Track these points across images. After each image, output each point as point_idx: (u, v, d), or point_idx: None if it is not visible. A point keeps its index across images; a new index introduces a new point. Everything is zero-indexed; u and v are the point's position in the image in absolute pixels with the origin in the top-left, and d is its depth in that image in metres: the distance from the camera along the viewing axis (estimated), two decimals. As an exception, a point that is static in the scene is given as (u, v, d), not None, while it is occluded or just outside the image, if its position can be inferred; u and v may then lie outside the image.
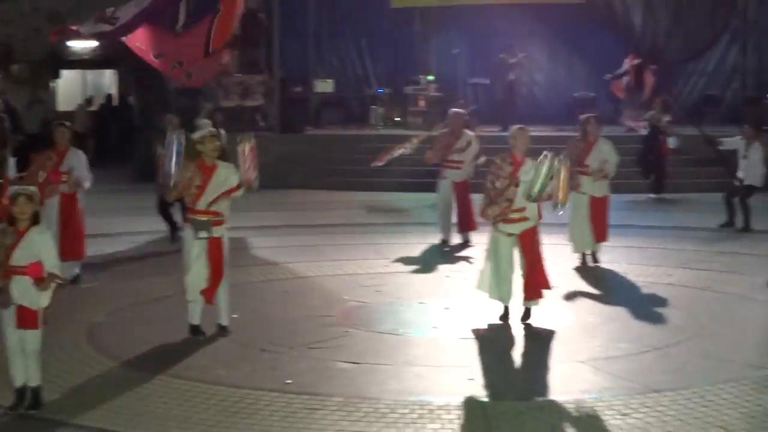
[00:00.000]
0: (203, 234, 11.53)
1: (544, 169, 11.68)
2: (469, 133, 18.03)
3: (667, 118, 24.18)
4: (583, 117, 16.28)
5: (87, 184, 14.71)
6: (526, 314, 12.30)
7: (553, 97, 32.15)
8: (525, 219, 12.14)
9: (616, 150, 15.96)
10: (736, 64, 31.22)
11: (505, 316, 12.31)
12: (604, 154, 15.71)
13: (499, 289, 12.28)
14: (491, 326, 12.16)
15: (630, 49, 29.69)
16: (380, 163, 19.36)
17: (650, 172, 24.15)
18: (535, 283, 12.24)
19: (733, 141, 19.85)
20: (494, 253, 12.31)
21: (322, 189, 24.95)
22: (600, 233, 15.79)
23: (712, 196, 22.05)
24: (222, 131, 22.30)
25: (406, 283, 14.63)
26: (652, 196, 23.84)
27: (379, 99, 30.34)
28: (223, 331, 11.79)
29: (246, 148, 11.82)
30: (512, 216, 12.11)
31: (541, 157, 11.79)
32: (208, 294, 11.67)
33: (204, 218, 11.55)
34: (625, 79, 28.74)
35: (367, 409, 9.22)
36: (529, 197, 11.81)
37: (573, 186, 15.47)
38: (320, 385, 9.89)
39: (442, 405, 9.34)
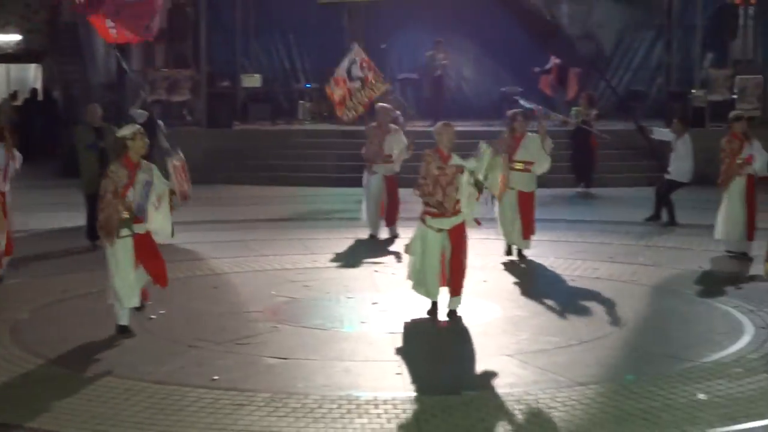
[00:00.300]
0: (126, 231, 11.41)
1: (486, 159, 11.81)
2: (394, 127, 18.07)
3: (594, 112, 24.41)
4: (510, 113, 16.37)
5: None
6: (452, 311, 12.32)
7: (482, 93, 32.28)
8: (456, 213, 12.15)
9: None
10: (660, 60, 31.54)
11: (432, 311, 12.33)
12: (530, 150, 15.79)
13: (426, 285, 12.29)
14: (419, 321, 12.17)
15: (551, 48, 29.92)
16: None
17: (580, 166, 24.35)
18: (461, 280, 12.25)
19: (663, 132, 20.05)
20: (421, 248, 12.30)
21: (250, 184, 24.85)
22: (527, 228, 15.88)
23: (640, 190, 22.34)
24: (161, 122, 22.23)
25: (334, 278, 14.61)
26: (581, 190, 24.02)
27: (307, 94, 30.27)
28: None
29: (176, 164, 11.80)
30: (436, 210, 12.12)
31: (483, 147, 11.87)
32: (161, 281, 11.58)
33: (126, 216, 11.43)
34: (551, 77, 29.00)
35: (295, 404, 9.19)
36: (474, 184, 11.88)
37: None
38: (247, 381, 9.84)
39: (369, 400, 9.34)
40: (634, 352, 10.92)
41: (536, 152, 15.79)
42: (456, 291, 12.23)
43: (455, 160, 12.14)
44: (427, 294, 12.31)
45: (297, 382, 9.86)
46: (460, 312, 12.28)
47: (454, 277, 12.18)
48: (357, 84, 20.77)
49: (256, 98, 29.71)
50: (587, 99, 24.83)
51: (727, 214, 16.14)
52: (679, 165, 19.11)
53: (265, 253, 16.25)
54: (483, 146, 12.20)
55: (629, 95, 30.77)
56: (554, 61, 29.34)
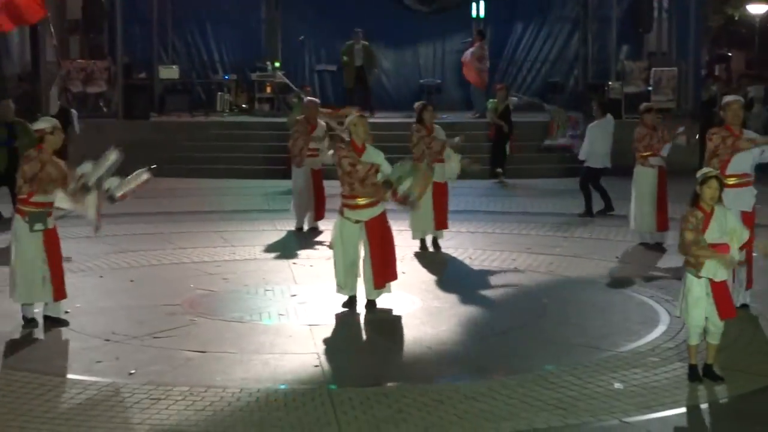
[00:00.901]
0: (39, 226, 11.27)
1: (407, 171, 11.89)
2: (322, 121, 18.04)
3: (513, 100, 24.60)
4: (418, 104, 16.35)
5: None
6: (371, 303, 12.31)
7: (401, 84, 32.32)
8: (373, 205, 12.14)
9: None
10: (577, 53, 31.81)
11: (350, 303, 12.30)
12: (440, 139, 15.85)
13: (344, 277, 12.27)
14: (338, 313, 12.15)
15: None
16: None
17: (498, 156, 24.48)
18: (382, 272, 12.23)
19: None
20: (339, 241, 12.28)
21: (168, 176, 24.53)
22: (441, 219, 15.92)
23: (558, 181, 22.51)
24: (74, 111, 21.97)
25: (252, 270, 14.54)
26: (502, 180, 24.13)
27: (225, 85, 30.09)
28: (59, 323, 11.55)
29: (142, 180, 11.81)
30: (358, 202, 12.10)
31: (405, 168, 11.95)
32: (58, 292, 11.45)
33: (40, 210, 11.30)
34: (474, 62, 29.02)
35: (213, 398, 9.13)
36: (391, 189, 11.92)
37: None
38: (165, 375, 9.76)
39: (288, 392, 9.32)
40: (551, 342, 10.99)
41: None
42: (377, 283, 12.22)
43: (370, 152, 12.12)
44: (344, 287, 12.28)
45: (215, 375, 9.80)
46: (379, 303, 12.27)
47: (374, 270, 12.15)
48: None
49: (173, 90, 29.45)
50: (504, 90, 24.96)
51: (638, 206, 16.33)
52: (593, 150, 19.13)
53: (183, 246, 16.13)
54: (405, 167, 12.15)
55: (547, 87, 30.98)
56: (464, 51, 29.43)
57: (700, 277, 9.41)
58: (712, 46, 47.76)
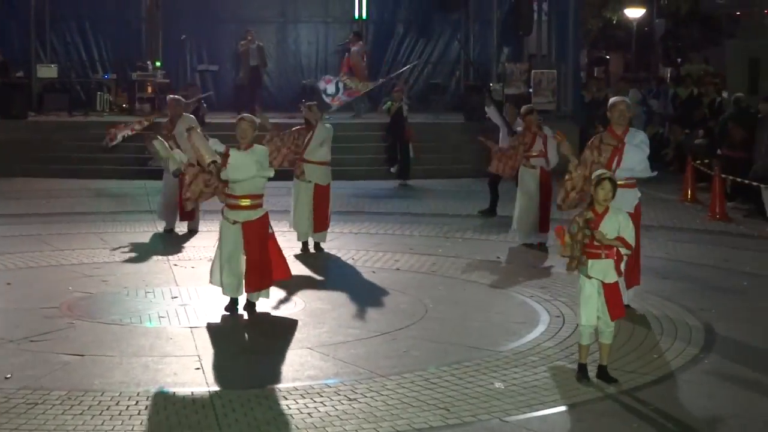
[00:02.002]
0: None
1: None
2: (188, 116, 17.80)
3: (406, 106, 24.67)
4: (303, 104, 16.31)
5: None
6: (250, 305, 12.23)
7: (283, 85, 32.28)
8: (255, 207, 12.04)
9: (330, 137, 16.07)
10: (459, 54, 32.06)
11: (231, 307, 12.21)
12: (323, 140, 15.82)
13: (225, 279, 12.16)
14: (220, 315, 12.05)
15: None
16: (112, 143, 19.07)
17: (395, 159, 24.53)
18: (255, 277, 12.13)
19: (494, 113, 19.53)
20: (220, 241, 12.19)
21: (46, 177, 24.23)
22: (321, 221, 15.89)
23: (446, 182, 22.65)
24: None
25: (132, 272, 14.36)
26: (399, 182, 24.19)
27: (105, 85, 29.70)
28: None
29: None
30: (240, 203, 12.01)
31: None
32: None
33: None
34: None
35: (91, 402, 8.98)
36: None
37: (298, 174, 15.64)
38: (42, 379, 9.58)
39: (168, 395, 9.22)
40: (433, 342, 11.03)
41: (326, 143, 15.83)
42: (250, 286, 12.12)
43: (257, 151, 12.06)
44: (225, 288, 12.17)
45: (93, 379, 9.65)
46: (261, 305, 12.20)
47: (248, 272, 12.05)
48: None
49: (52, 89, 29.01)
50: (401, 92, 25.07)
51: (521, 207, 16.50)
52: None
53: (60, 248, 15.86)
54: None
55: (429, 88, 31.17)
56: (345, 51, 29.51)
57: (590, 278, 9.52)
58: (590, 48, 48.61)
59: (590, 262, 9.50)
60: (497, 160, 16.87)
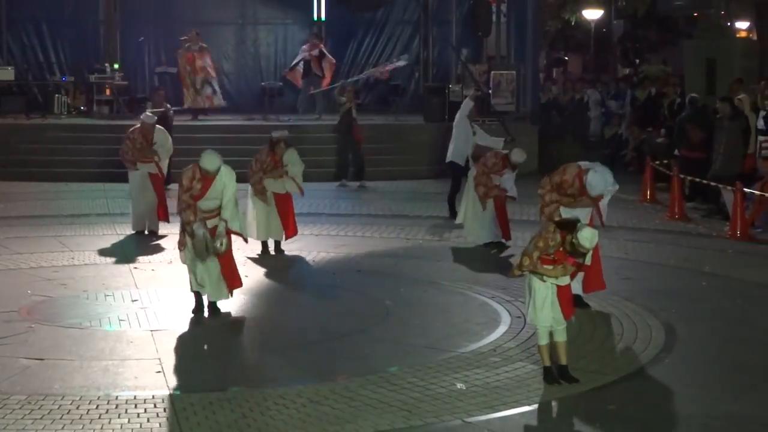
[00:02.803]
0: None
1: None
2: (159, 127, 17.77)
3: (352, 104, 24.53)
4: (274, 137, 16.02)
5: None
6: (214, 307, 12.19)
7: (242, 87, 32.18)
8: (215, 216, 12.02)
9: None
10: (418, 56, 32.08)
11: (197, 309, 12.17)
12: (289, 170, 15.80)
13: (194, 280, 12.13)
14: (181, 317, 12.01)
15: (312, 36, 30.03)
16: None
17: (345, 168, 24.43)
18: (230, 278, 12.13)
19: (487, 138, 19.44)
20: (189, 243, 12.15)
21: (3, 180, 24.00)
22: (290, 227, 15.85)
23: (403, 183, 22.65)
24: None
25: (92, 275, 14.28)
26: (354, 184, 24.11)
27: (63, 87, 29.48)
28: None
29: None
30: (205, 216, 11.99)
31: None
32: None
33: None
34: (302, 65, 29.04)
35: (51, 406, 8.93)
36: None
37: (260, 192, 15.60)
38: (1, 384, 9.51)
39: (129, 399, 9.18)
40: (394, 343, 11.04)
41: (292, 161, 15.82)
42: (233, 285, 12.12)
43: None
44: (194, 289, 12.13)
45: (53, 383, 9.59)
46: (222, 307, 12.17)
47: (224, 275, 12.04)
48: None
49: (9, 91, 28.75)
50: (353, 93, 24.92)
51: (467, 208, 16.44)
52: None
53: (19, 251, 15.74)
54: None
55: (389, 90, 31.14)
56: (310, 51, 29.37)
57: (544, 281, 9.57)
58: (549, 49, 48.78)
59: (545, 267, 9.56)
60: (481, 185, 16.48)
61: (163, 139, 17.68)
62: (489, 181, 15.89)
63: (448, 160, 19.10)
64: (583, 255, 9.58)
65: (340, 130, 24.27)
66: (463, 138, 18.59)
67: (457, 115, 19.08)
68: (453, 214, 18.51)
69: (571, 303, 9.82)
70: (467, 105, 19.01)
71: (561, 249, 9.47)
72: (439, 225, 18.68)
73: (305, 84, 29.27)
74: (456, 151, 18.81)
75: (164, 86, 29.31)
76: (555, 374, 9.68)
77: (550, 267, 9.56)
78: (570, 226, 9.50)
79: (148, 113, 18.57)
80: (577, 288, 12.18)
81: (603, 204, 12.20)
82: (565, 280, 9.64)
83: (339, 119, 24.33)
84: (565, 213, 11.63)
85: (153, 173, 17.41)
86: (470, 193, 16.43)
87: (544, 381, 9.67)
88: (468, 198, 16.54)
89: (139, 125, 17.73)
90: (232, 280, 12.21)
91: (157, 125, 17.81)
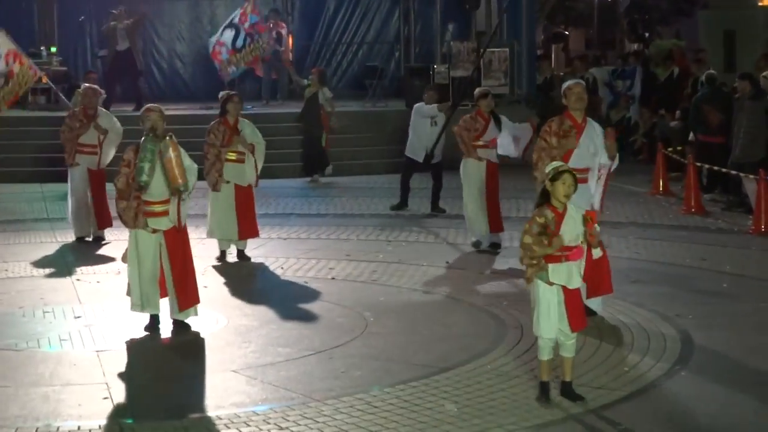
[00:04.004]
0: None
1: (142, 154, 11.70)
2: (104, 110, 17.76)
3: (329, 93, 24.51)
4: (222, 94, 16.20)
5: None
6: (181, 325, 12.19)
7: (198, 71, 32.15)
8: (167, 213, 12.01)
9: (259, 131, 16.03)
10: (398, 33, 32.13)
11: (151, 327, 12.15)
12: (248, 137, 15.75)
13: (141, 295, 12.11)
14: (133, 336, 12.00)
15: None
16: None
17: (314, 154, 24.46)
18: (188, 290, 12.12)
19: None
20: (135, 254, 12.13)
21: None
22: (246, 227, 15.85)
23: (380, 178, 22.67)
24: None
25: (29, 289, 14.27)
26: (317, 178, 24.15)
27: (-7, 76, 29.40)
28: None
29: None
30: (155, 209, 11.98)
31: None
32: None
33: None
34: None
35: (-17, 439, 8.94)
36: (141, 187, 11.77)
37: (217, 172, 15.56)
38: (-75, 415, 9.51)
39: (72, 430, 9.17)
40: (374, 360, 11.06)
41: (254, 140, 15.75)
42: (184, 303, 12.11)
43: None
44: (143, 305, 12.12)
45: (-14, 413, 9.59)
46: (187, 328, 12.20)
47: (178, 287, 12.03)
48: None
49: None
50: (318, 75, 24.86)
51: (473, 204, 16.50)
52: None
53: (-55, 263, 15.76)
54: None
55: (365, 72, 31.15)
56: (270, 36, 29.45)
57: (551, 284, 9.55)
58: (547, 23, 48.87)
59: (550, 266, 9.53)
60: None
61: (109, 122, 17.55)
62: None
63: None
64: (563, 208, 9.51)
65: (306, 119, 24.23)
66: (420, 132, 19.46)
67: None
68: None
69: (581, 313, 9.74)
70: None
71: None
72: (424, 224, 18.72)
73: (266, 69, 29.28)
74: (410, 145, 19.74)
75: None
76: (549, 393, 9.68)
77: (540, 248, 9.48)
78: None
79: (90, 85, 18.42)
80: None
81: (593, 185, 12.25)
82: (573, 283, 9.60)
83: (304, 106, 24.28)
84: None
85: (93, 169, 17.30)
86: (470, 187, 16.50)
87: (537, 399, 9.68)
88: (467, 192, 16.59)
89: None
90: (190, 294, 12.20)
91: (101, 108, 17.78)
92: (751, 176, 18.25)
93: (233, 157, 15.67)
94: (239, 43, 27.41)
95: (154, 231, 12.01)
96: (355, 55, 32.70)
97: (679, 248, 16.44)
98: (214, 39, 28.29)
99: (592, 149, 12.20)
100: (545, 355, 9.69)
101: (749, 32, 27.04)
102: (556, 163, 9.86)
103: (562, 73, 31.85)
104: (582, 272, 9.71)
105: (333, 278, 14.79)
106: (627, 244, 16.53)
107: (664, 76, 28.64)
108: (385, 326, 12.36)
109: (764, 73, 21.21)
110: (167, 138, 11.76)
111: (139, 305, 12.15)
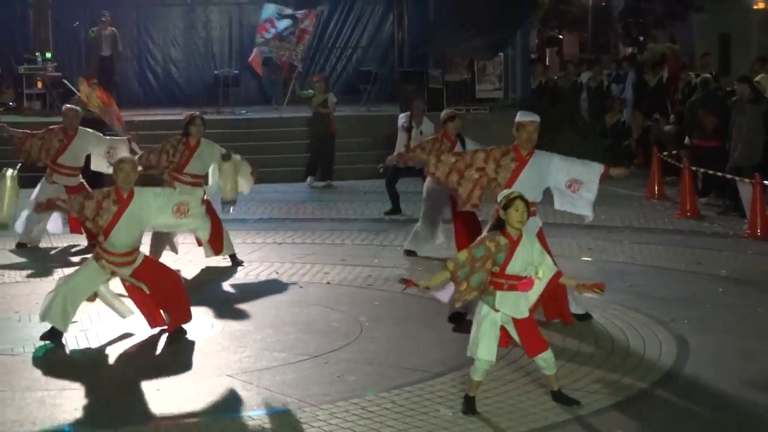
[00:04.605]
0: None
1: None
2: (86, 130, 17.60)
3: (333, 99, 24.58)
4: (187, 115, 15.95)
5: None
6: (176, 331, 12.17)
7: (192, 76, 32.17)
8: (129, 263, 11.97)
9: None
10: (392, 37, 32.13)
11: (50, 336, 11.96)
12: (206, 161, 15.24)
13: (61, 308, 11.92)
14: (127, 340, 12.01)
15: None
16: None
17: (320, 159, 24.52)
18: (183, 306, 12.17)
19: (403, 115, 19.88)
20: (80, 275, 12.16)
21: None
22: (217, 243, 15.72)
23: (377, 182, 22.62)
24: None
25: (25, 294, 14.25)
26: (320, 183, 24.20)
27: (-15, 79, 29.47)
28: None
29: None
30: (116, 260, 11.92)
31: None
32: None
33: None
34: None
35: (-21, 445, 8.94)
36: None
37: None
38: None
39: (69, 435, 9.20)
40: (370, 365, 11.07)
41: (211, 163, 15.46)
42: (181, 319, 12.12)
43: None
44: (47, 318, 11.99)
45: (-19, 418, 9.59)
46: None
47: (173, 308, 12.08)
48: None
49: None
50: (325, 82, 24.96)
51: (425, 218, 16.53)
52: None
53: (-61, 269, 15.75)
54: None
55: (359, 76, 31.17)
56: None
57: (497, 311, 9.56)
58: (541, 27, 48.92)
59: (498, 293, 9.53)
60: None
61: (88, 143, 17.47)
62: None
63: None
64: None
65: (319, 125, 24.35)
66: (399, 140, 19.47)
67: None
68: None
69: (536, 339, 9.63)
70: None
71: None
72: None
73: (266, 72, 29.34)
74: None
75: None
76: (474, 407, 9.60)
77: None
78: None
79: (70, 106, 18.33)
80: (574, 307, 12.34)
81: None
82: (521, 313, 9.51)
83: (314, 112, 24.40)
84: None
85: (71, 186, 17.10)
86: (426, 205, 16.57)
87: (462, 410, 9.60)
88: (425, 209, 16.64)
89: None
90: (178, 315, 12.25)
91: (88, 130, 17.62)
92: (747, 180, 18.27)
93: (187, 180, 15.38)
94: (286, 34, 27.37)
95: (113, 273, 12.03)
96: (349, 59, 32.72)
97: (675, 252, 16.46)
98: (267, 15, 28.05)
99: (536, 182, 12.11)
100: (477, 375, 9.60)
101: (744, 35, 27.08)
102: (506, 191, 9.79)
103: (555, 77, 31.84)
104: (530, 301, 9.69)
105: (328, 283, 14.80)
106: (622, 248, 16.55)
107: (653, 81, 28.67)
108: (380, 331, 12.37)
109: (757, 78, 21.25)
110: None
111: (43, 315, 11.99)
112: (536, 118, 12.21)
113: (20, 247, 17.27)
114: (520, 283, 9.46)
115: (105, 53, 28.61)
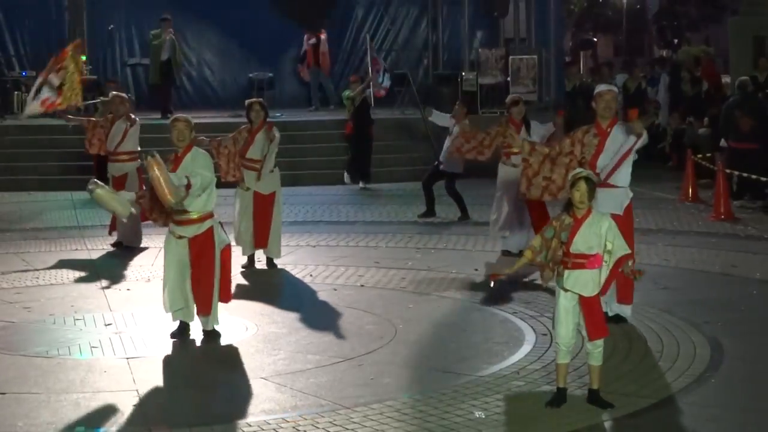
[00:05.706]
0: None
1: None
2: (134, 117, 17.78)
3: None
4: (248, 102, 16.16)
5: None
6: (210, 333, 12.22)
7: (227, 79, 32.26)
8: (202, 219, 12.00)
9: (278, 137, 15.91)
10: (427, 40, 32.12)
11: (179, 333, 12.16)
12: (265, 145, 15.66)
13: (171, 301, 12.13)
14: (161, 343, 12.02)
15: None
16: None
17: (358, 160, 24.50)
18: (205, 296, 12.13)
19: (440, 116, 19.86)
20: (167, 258, 12.17)
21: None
22: (260, 237, 15.85)
23: (412, 185, 22.69)
24: None
25: (59, 297, 14.32)
26: (360, 185, 24.21)
27: (23, 83, 29.54)
28: None
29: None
30: (181, 217, 12.00)
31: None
32: None
33: None
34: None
35: (15, 446, 8.98)
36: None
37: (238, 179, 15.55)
38: (-43, 422, 9.57)
39: (103, 436, 9.22)
40: (404, 367, 11.06)
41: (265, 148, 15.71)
42: (202, 309, 12.12)
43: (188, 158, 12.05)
44: (170, 310, 12.14)
45: (17, 420, 9.62)
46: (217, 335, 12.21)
47: (196, 294, 12.05)
48: None
49: (-39, 89, 28.88)
50: (360, 81, 24.97)
51: (499, 208, 16.50)
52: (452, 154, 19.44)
53: (-24, 271, 15.83)
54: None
55: (394, 79, 31.16)
56: (308, 42, 29.57)
57: (566, 290, 9.56)
58: (575, 30, 48.85)
59: (566, 272, 9.54)
60: (464, 143, 16.72)
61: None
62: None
63: None
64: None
65: (362, 126, 24.34)
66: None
67: None
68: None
69: (599, 321, 9.67)
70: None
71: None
72: (452, 231, 18.71)
73: (312, 76, 29.48)
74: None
75: (137, 79, 29.46)
76: (561, 401, 9.66)
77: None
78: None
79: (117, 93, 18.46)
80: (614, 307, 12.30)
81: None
82: (588, 291, 9.59)
83: (356, 113, 24.36)
84: None
85: (116, 176, 17.40)
86: (499, 194, 16.56)
87: (547, 403, 9.67)
88: (497, 200, 16.64)
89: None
90: (221, 295, 12.25)
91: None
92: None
93: (249, 165, 15.67)
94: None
95: (180, 237, 12.05)
96: (383, 62, 32.73)
97: (709, 255, 16.39)
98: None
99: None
100: (561, 358, 9.70)
101: (779, 38, 26.98)
102: (575, 170, 9.88)
103: (590, 80, 31.77)
104: (601, 281, 9.67)
105: (362, 285, 14.81)
106: (656, 250, 16.49)
107: (692, 92, 28.42)
108: (414, 333, 12.36)
109: None
110: (149, 157, 11.62)
111: (167, 308, 12.19)
112: (613, 87, 12.62)
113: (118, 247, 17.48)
114: (588, 261, 9.47)
115: (164, 57, 28.68)
